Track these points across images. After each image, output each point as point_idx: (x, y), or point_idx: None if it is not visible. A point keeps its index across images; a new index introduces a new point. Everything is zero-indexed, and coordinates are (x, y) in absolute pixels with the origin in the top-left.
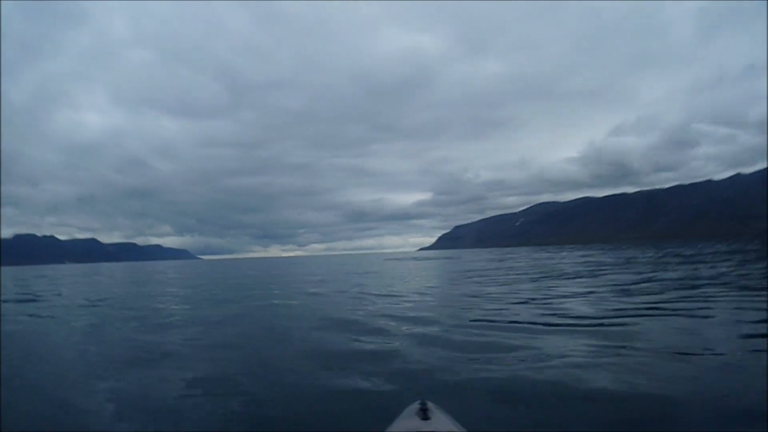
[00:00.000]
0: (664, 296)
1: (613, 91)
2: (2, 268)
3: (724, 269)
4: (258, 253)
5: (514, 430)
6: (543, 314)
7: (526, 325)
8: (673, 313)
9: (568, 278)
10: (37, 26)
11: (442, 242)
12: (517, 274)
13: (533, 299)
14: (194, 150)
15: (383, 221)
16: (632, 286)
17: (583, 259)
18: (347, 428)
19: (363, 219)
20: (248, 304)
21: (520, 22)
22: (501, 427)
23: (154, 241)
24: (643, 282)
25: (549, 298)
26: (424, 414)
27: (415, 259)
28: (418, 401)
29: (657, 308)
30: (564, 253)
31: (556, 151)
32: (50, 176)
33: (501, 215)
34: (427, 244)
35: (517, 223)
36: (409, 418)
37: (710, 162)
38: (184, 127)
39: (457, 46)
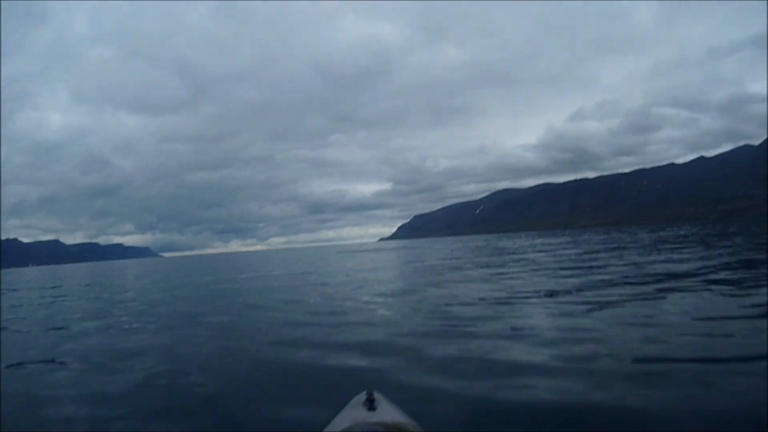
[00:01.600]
0: None
1: (573, 76)
2: None
3: None
4: (218, 248)
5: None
6: None
7: None
8: None
9: None
10: None
11: (402, 232)
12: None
13: None
14: (155, 146)
15: (343, 212)
16: None
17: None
18: None
19: (323, 211)
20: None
21: (481, 8)
22: None
23: (117, 240)
24: None
25: None
26: (370, 404)
27: (376, 250)
28: (365, 392)
29: None
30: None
31: (516, 138)
32: (13, 178)
33: (461, 203)
34: (387, 235)
35: (477, 211)
36: (356, 408)
37: (673, 145)
38: (144, 124)
39: (416, 33)
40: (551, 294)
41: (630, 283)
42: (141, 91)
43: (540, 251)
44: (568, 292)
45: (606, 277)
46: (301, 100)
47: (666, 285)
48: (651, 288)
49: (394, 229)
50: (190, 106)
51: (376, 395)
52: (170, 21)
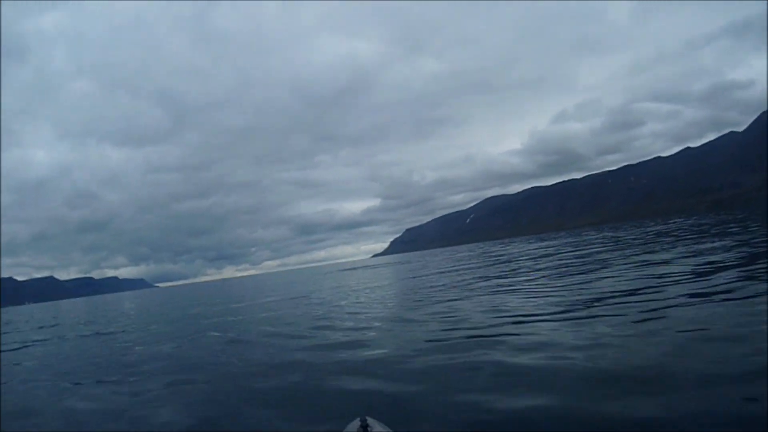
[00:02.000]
0: None
1: (553, 79)
2: None
3: None
4: (213, 275)
5: None
6: None
7: None
8: None
9: None
10: None
11: (395, 246)
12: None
13: None
14: (141, 177)
15: (334, 232)
16: None
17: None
18: None
19: (313, 231)
20: None
21: (456, 18)
22: None
23: (111, 273)
24: None
25: None
26: (364, 430)
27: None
28: (359, 418)
29: None
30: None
31: (501, 144)
32: (2, 217)
33: (451, 214)
34: (380, 251)
35: (468, 220)
36: None
37: (657, 139)
38: (129, 156)
39: (392, 48)
40: (576, 307)
41: (658, 286)
42: (124, 123)
43: (542, 256)
44: (595, 302)
45: (627, 278)
46: (284, 123)
47: (710, 284)
48: (686, 290)
49: (387, 245)
50: (174, 135)
51: (370, 421)
52: (149, 51)
